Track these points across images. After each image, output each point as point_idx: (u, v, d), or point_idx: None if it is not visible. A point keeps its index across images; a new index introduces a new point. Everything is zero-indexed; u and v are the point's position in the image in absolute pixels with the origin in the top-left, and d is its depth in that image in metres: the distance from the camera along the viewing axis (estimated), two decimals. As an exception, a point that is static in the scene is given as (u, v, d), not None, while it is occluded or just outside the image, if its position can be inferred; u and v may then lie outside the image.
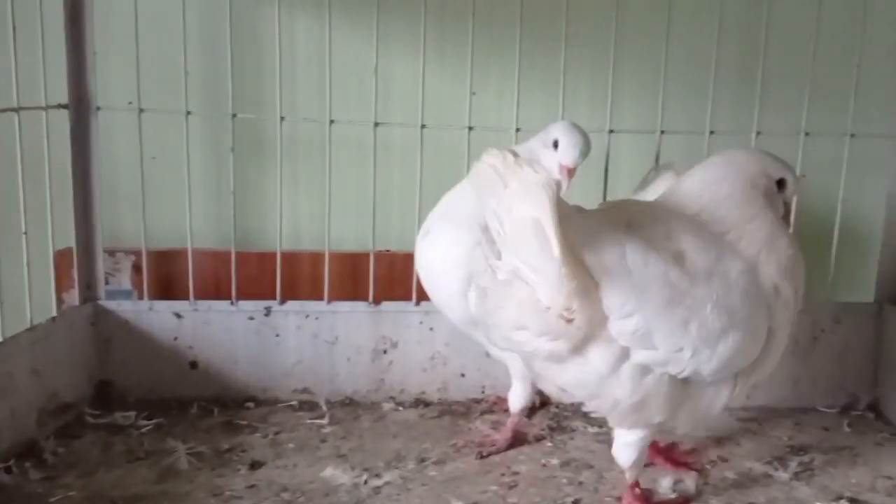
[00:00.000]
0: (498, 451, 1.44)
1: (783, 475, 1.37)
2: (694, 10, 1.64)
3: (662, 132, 1.61)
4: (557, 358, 1.10)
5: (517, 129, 1.61)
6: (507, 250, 1.08)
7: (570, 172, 1.33)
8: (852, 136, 1.62)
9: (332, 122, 1.61)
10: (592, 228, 1.10)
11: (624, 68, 1.63)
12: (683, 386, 1.13)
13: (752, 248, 1.15)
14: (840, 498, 1.30)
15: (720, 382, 1.15)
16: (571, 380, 1.13)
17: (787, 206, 1.23)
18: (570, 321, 1.06)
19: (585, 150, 1.33)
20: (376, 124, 1.62)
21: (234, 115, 1.62)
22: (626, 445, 1.21)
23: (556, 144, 1.34)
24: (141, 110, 1.59)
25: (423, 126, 1.61)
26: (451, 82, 1.74)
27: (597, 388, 1.12)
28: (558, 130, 1.35)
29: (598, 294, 1.06)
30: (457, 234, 1.38)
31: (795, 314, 1.18)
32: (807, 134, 1.61)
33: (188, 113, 1.60)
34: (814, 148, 1.61)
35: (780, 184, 1.20)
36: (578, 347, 1.09)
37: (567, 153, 1.32)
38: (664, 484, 1.33)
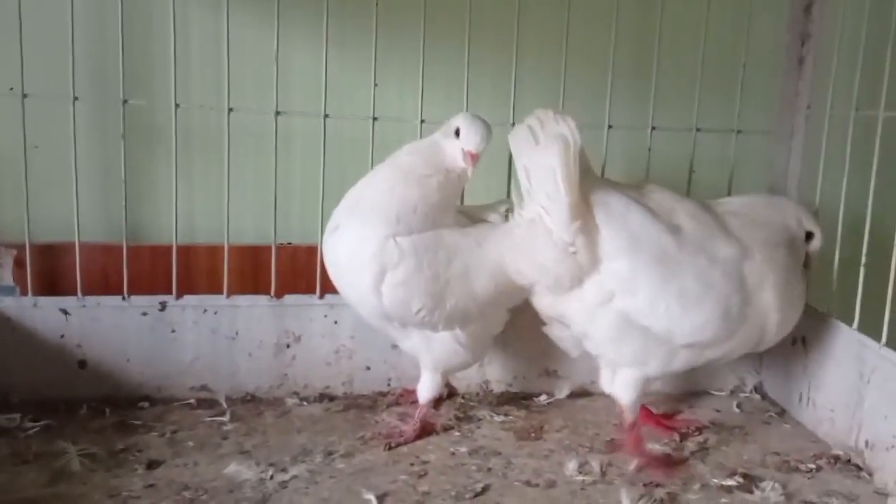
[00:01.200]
0: (406, 442, 1.44)
1: (681, 455, 1.43)
2: (592, 10, 1.69)
3: (513, 124, 1.63)
4: (559, 287, 1.33)
5: (422, 121, 1.61)
6: (532, 200, 1.31)
7: (474, 157, 1.35)
8: (738, 132, 1.71)
9: (230, 110, 1.57)
10: (606, 185, 1.36)
11: (525, 64, 1.66)
12: (656, 340, 1.33)
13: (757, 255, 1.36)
14: (734, 474, 1.36)
15: (688, 347, 1.33)
16: (567, 311, 1.36)
17: (808, 256, 1.46)
18: (574, 254, 1.29)
19: (486, 135, 1.37)
20: (277, 113, 1.58)
21: (125, 102, 1.55)
22: (624, 384, 1.40)
23: (457, 133, 1.37)
24: (24, 96, 1.50)
25: (325, 116, 1.59)
26: (352, 73, 1.73)
27: (586, 321, 1.34)
28: (459, 119, 1.38)
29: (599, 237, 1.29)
30: (367, 228, 1.36)
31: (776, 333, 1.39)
32: (698, 130, 1.69)
33: (75, 99, 1.52)
34: (704, 143, 1.69)
35: (808, 236, 1.44)
36: (577, 281, 1.31)
37: (469, 139, 1.36)
38: (570, 466, 1.36)
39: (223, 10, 1.53)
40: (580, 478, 1.33)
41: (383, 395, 1.64)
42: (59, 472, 1.28)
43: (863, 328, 1.46)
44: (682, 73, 1.74)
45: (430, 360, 1.44)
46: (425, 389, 1.47)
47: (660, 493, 1.29)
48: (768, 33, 1.77)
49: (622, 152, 1.73)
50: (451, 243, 1.40)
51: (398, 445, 1.42)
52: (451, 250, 1.39)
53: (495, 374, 1.69)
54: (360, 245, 1.37)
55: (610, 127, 1.66)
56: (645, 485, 1.32)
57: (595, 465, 1.36)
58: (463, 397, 1.66)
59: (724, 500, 1.29)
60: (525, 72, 1.66)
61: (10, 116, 1.51)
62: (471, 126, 1.36)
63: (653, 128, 1.68)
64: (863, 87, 1.51)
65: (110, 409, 1.51)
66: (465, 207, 1.54)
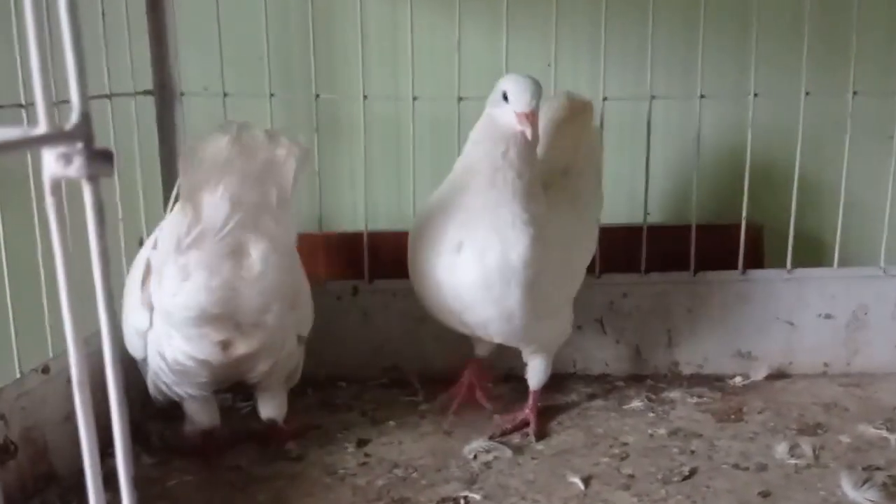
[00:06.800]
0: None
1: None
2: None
3: (702, 97, 1.59)
4: None
5: (604, 99, 1.59)
6: None
7: (528, 117, 1.27)
8: (855, 94, 1.58)
9: (415, 98, 1.60)
10: None
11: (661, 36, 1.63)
12: None
13: None
14: (960, 457, 1.28)
15: None
16: None
17: None
18: None
19: (535, 91, 1.28)
20: (460, 99, 1.60)
21: (317, 96, 1.61)
22: None
23: (505, 96, 1.30)
24: (225, 95, 1.59)
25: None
26: (524, 55, 1.72)
27: None
28: (505, 83, 1.31)
29: None
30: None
31: None
32: (807, 94, 1.58)
33: (272, 95, 1.60)
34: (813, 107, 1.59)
35: None
36: None
37: (518, 100, 1.28)
38: (779, 449, 1.31)
39: (400, 2, 1.56)
40: (792, 461, 1.29)
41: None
42: (276, 450, 1.36)
43: None
44: (787, 37, 1.66)
45: None
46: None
47: (881, 476, 1.22)
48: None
49: (717, 122, 1.71)
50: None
51: None
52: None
53: (684, 355, 1.65)
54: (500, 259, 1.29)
55: (702, 97, 1.59)
56: (864, 468, 1.25)
57: (807, 448, 1.31)
58: (651, 378, 1.63)
59: (955, 484, 1.21)
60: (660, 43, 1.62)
61: (203, 114, 1.62)
62: (517, 86, 1.28)
63: (755, 94, 1.59)
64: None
65: (312, 389, 1.58)
66: None
